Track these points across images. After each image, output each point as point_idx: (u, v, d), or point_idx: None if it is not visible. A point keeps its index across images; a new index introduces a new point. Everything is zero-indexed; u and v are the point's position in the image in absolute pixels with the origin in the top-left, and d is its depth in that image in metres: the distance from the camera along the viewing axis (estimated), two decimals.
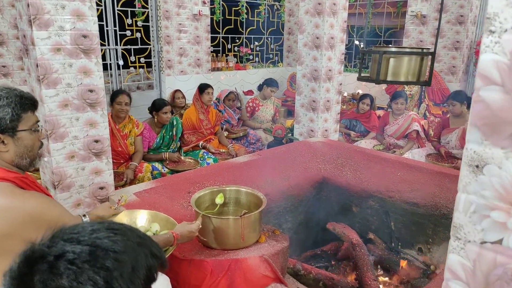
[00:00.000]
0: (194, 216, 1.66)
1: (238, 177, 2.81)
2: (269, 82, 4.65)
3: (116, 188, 2.74)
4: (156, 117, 3.39)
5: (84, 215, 1.51)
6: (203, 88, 3.85)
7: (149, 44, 5.28)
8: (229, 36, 6.42)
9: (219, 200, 1.69)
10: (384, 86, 5.51)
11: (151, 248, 0.70)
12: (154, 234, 1.52)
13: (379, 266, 2.67)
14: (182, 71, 5.48)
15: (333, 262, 2.83)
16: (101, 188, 2.39)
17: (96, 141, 2.30)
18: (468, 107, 3.58)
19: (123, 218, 1.60)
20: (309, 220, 3.10)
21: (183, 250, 1.56)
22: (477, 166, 0.61)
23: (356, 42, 6.81)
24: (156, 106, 3.37)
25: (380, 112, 4.94)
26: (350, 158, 3.26)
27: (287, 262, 1.76)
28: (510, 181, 0.57)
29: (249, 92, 6.35)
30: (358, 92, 5.99)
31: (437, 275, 1.91)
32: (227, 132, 4.31)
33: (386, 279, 2.52)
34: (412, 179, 2.85)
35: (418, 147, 3.89)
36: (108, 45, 4.76)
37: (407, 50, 2.18)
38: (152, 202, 2.31)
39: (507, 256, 0.59)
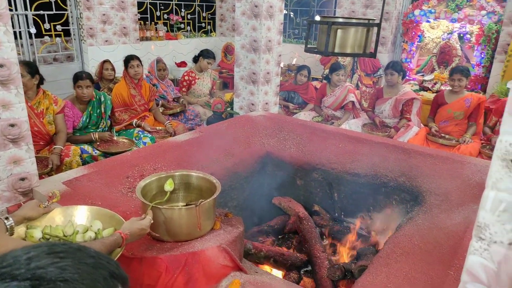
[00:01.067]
0: (139, 206, 1.48)
1: (181, 157, 2.64)
2: (206, 54, 4.40)
3: (40, 177, 2.43)
4: (75, 92, 3.02)
5: (6, 218, 1.26)
6: (127, 60, 3.51)
7: (66, 9, 4.66)
8: (157, 1, 5.95)
9: (168, 187, 1.53)
10: (318, 56, 5.56)
11: (109, 268, 0.55)
12: (96, 233, 1.32)
13: (325, 237, 2.73)
14: (106, 41, 4.98)
15: (280, 237, 2.84)
16: (23, 179, 2.08)
17: (12, 125, 1.96)
18: (403, 77, 3.74)
19: (56, 217, 1.38)
20: (255, 196, 3.06)
21: (131, 247, 1.39)
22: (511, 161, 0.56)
23: (291, 14, 6.74)
24: (73, 79, 3.00)
25: (315, 84, 4.99)
26: (292, 131, 3.24)
27: (243, 247, 1.68)
28: None
29: (182, 64, 6.02)
30: (294, 63, 5.99)
31: (383, 245, 1.97)
32: (163, 108, 4.03)
33: (333, 249, 2.59)
34: (353, 150, 2.91)
35: (354, 118, 4.01)
36: (16, 10, 4.10)
37: (354, 21, 2.13)
38: (87, 191, 2.07)
39: None
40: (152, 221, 1.32)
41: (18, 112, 1.96)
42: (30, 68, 2.72)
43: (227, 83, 6.15)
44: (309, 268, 2.41)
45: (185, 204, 1.68)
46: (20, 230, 1.30)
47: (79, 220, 1.38)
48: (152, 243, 1.45)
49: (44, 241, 1.28)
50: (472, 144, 3.27)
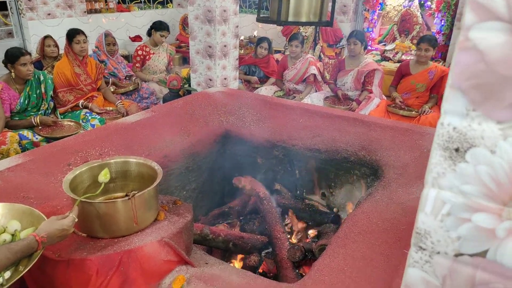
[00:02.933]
0: (72, 203, 1.32)
1: (131, 140, 2.45)
2: (158, 26, 4.10)
3: None
4: (13, 71, 2.72)
5: None
6: (71, 35, 3.19)
7: None
8: None
9: (103, 177, 1.36)
10: (280, 28, 5.37)
11: None
12: (13, 235, 1.15)
13: (286, 216, 2.66)
14: (49, 14, 4.55)
15: (241, 218, 2.75)
16: None
17: None
18: (365, 47, 3.63)
19: None
20: (214, 177, 2.93)
21: (59, 247, 1.24)
22: (456, 150, 0.44)
23: None
24: (10, 57, 2.69)
25: (277, 56, 4.83)
26: (252, 107, 3.10)
27: (192, 237, 1.56)
28: (507, 171, 0.42)
29: (137, 38, 5.66)
30: (255, 35, 5.77)
31: (344, 222, 1.91)
32: (114, 87, 3.75)
33: (294, 228, 2.52)
34: (313, 125, 2.82)
35: (316, 91, 3.91)
36: None
37: None
38: (20, 183, 1.86)
39: (492, 273, 0.45)
40: (76, 220, 1.16)
41: None
42: None
43: (187, 58, 5.86)
44: (270, 249, 2.34)
45: (124, 194, 1.52)
46: None
47: None
48: (85, 241, 1.29)
49: None
50: (432, 114, 3.26)
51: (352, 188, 2.58)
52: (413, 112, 3.34)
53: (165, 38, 4.21)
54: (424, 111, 3.26)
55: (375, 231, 1.70)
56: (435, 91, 3.44)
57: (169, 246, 1.31)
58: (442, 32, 4.88)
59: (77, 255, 1.21)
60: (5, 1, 4.26)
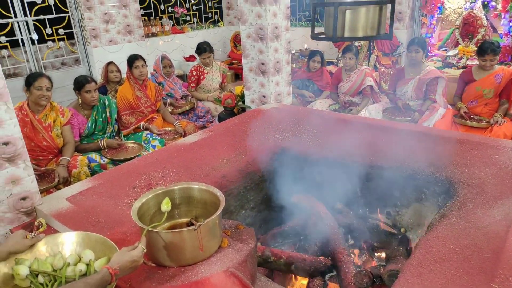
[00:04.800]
0: (139, 230, 1.34)
1: (190, 161, 2.50)
2: (197, 50, 4.22)
3: (48, 192, 2.34)
4: (79, 97, 2.90)
5: None
6: (131, 61, 3.36)
7: (67, 12, 4.55)
8: None
9: (165, 207, 1.38)
10: None
11: None
12: (87, 265, 1.19)
13: (349, 236, 2.55)
14: (111, 41, 4.85)
15: (301, 238, 2.67)
16: (24, 198, 1.97)
17: (6, 144, 1.85)
18: (426, 55, 3.44)
19: (42, 248, 1.25)
20: (272, 195, 2.89)
21: (129, 277, 1.25)
22: None
23: None
24: (77, 84, 2.88)
25: (330, 68, 4.73)
26: (308, 123, 3.04)
27: (256, 264, 1.52)
28: None
29: (191, 58, 5.85)
30: (306, 48, 5.72)
31: (414, 249, 1.77)
32: (171, 107, 3.88)
33: (359, 251, 2.40)
34: (374, 140, 2.69)
35: (373, 102, 3.76)
36: (16, 17, 4.02)
37: None
38: (91, 206, 1.95)
39: None
40: (145, 250, 1.17)
41: (11, 129, 1.85)
42: (50, 81, 2.65)
43: (239, 74, 5.96)
44: (334, 273, 2.24)
45: (188, 220, 1.52)
46: (6, 266, 1.18)
47: (68, 250, 1.25)
48: (153, 270, 1.30)
49: (31, 278, 1.16)
50: (506, 125, 2.98)
51: (421, 207, 2.41)
52: (484, 122, 3.08)
53: (209, 59, 4.28)
54: (497, 121, 2.99)
55: (453, 260, 1.55)
56: (504, 96, 3.15)
57: (235, 276, 1.28)
58: (511, 34, 4.49)
59: (147, 285, 1.21)
60: (72, 31, 4.61)
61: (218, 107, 4.12)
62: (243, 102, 3.73)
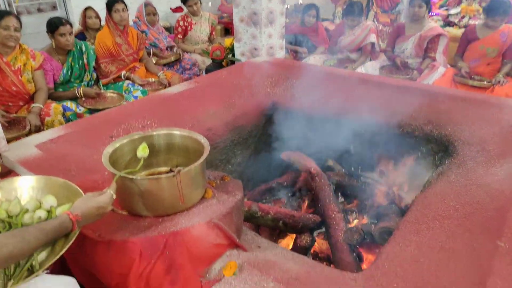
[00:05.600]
0: (113, 177, 1.18)
1: (174, 112, 2.33)
2: None
3: (18, 139, 2.16)
4: (53, 41, 2.65)
5: None
6: (110, 4, 3.08)
7: None
8: None
9: (141, 153, 1.22)
10: None
11: None
12: (48, 212, 1.04)
13: (340, 194, 2.45)
14: None
15: (290, 195, 2.57)
16: None
17: None
18: (429, 11, 3.23)
19: None
20: (261, 151, 2.76)
21: (99, 226, 1.11)
22: None
23: None
24: (50, 26, 2.62)
25: (326, 24, 4.48)
26: (302, 78, 2.87)
27: (243, 217, 1.40)
28: None
29: (178, 9, 5.50)
30: (301, 3, 5.41)
31: (410, 206, 1.67)
32: (156, 58, 3.63)
33: (351, 208, 2.31)
34: (371, 96, 2.55)
35: (370, 60, 3.57)
36: None
37: None
38: (62, 154, 1.79)
39: None
40: (114, 197, 1.02)
41: None
42: (19, 21, 2.39)
43: (228, 29, 5.65)
44: (323, 229, 2.15)
45: (169, 169, 1.37)
46: None
47: (28, 196, 1.09)
48: (127, 220, 1.16)
49: None
50: (508, 85, 2.85)
51: (417, 166, 2.31)
52: (485, 82, 2.94)
53: (196, 6, 3.96)
54: (499, 81, 2.85)
55: (453, 217, 1.45)
56: (508, 56, 3.00)
57: (219, 228, 1.15)
58: None
59: (119, 236, 1.08)
60: None
61: (206, 60, 3.89)
62: (233, 55, 3.51)
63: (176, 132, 1.37)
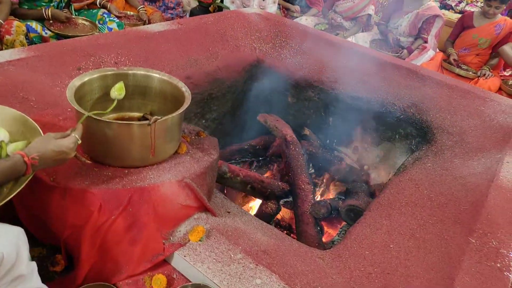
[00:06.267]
0: (77, 115, 1.04)
1: (151, 52, 2.14)
2: None
3: None
4: None
5: None
6: None
7: None
8: None
9: (117, 93, 1.07)
10: None
11: None
12: None
13: (311, 165, 2.41)
14: None
15: (260, 159, 2.50)
16: None
17: None
18: None
19: None
20: (238, 109, 2.64)
21: (55, 170, 0.98)
22: None
23: None
24: None
25: None
26: (291, 38, 2.72)
27: (215, 179, 1.31)
28: None
29: None
30: None
31: (383, 189, 1.65)
32: None
33: (319, 181, 2.28)
34: (359, 69, 2.46)
35: (363, 31, 3.45)
36: None
37: None
38: (21, 81, 1.60)
39: None
40: (79, 141, 0.88)
41: None
42: None
43: None
44: (290, 199, 2.12)
45: (141, 115, 1.24)
46: None
47: None
48: (88, 166, 1.04)
49: None
50: (492, 79, 2.85)
51: (392, 147, 2.29)
52: (471, 73, 2.93)
53: None
54: (484, 74, 2.84)
55: (426, 206, 1.44)
56: (497, 49, 2.99)
57: (190, 188, 1.06)
58: None
59: (77, 183, 0.96)
60: None
61: (191, 1, 3.60)
62: (222, 1, 3.27)
63: (155, 74, 1.23)
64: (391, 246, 1.24)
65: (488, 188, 1.43)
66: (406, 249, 1.22)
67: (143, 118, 1.21)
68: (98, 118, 0.98)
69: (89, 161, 0.96)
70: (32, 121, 0.96)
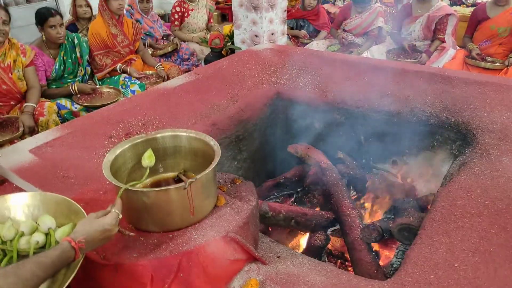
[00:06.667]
0: (115, 187, 1.06)
1: (175, 107, 2.20)
2: None
3: (11, 144, 2.03)
4: (43, 34, 2.49)
5: None
6: None
7: None
8: None
9: (147, 161, 1.09)
10: None
11: None
12: (47, 235, 0.92)
13: (351, 188, 2.34)
14: None
15: (299, 190, 2.46)
16: None
17: None
18: None
19: None
20: (267, 144, 2.64)
21: (103, 246, 1.00)
22: None
23: None
24: (39, 18, 2.46)
25: (327, 7, 4.31)
26: (306, 65, 2.73)
27: (259, 225, 1.29)
28: None
29: None
30: None
31: (432, 202, 1.57)
32: (151, 49, 3.47)
33: (365, 204, 2.20)
34: (381, 82, 2.42)
35: (376, 44, 3.42)
36: None
37: None
38: (59, 159, 1.66)
39: None
40: (120, 216, 0.90)
41: None
42: (8, 13, 2.23)
43: (225, 15, 5.47)
44: (337, 226, 2.05)
45: (175, 175, 1.25)
46: None
47: (23, 215, 0.97)
48: (134, 237, 1.05)
49: None
50: None
51: (432, 155, 2.20)
52: (498, 64, 2.81)
53: None
54: None
55: (484, 214, 1.35)
56: None
57: (236, 242, 1.04)
58: None
59: (126, 257, 0.96)
60: None
61: (204, 49, 3.73)
62: (233, 43, 3.36)
63: (183, 133, 1.25)
64: (456, 265, 1.15)
65: None
66: (472, 266, 1.14)
67: (178, 178, 1.22)
68: (135, 189, 1.00)
69: (132, 234, 0.98)
70: (75, 203, 0.99)
